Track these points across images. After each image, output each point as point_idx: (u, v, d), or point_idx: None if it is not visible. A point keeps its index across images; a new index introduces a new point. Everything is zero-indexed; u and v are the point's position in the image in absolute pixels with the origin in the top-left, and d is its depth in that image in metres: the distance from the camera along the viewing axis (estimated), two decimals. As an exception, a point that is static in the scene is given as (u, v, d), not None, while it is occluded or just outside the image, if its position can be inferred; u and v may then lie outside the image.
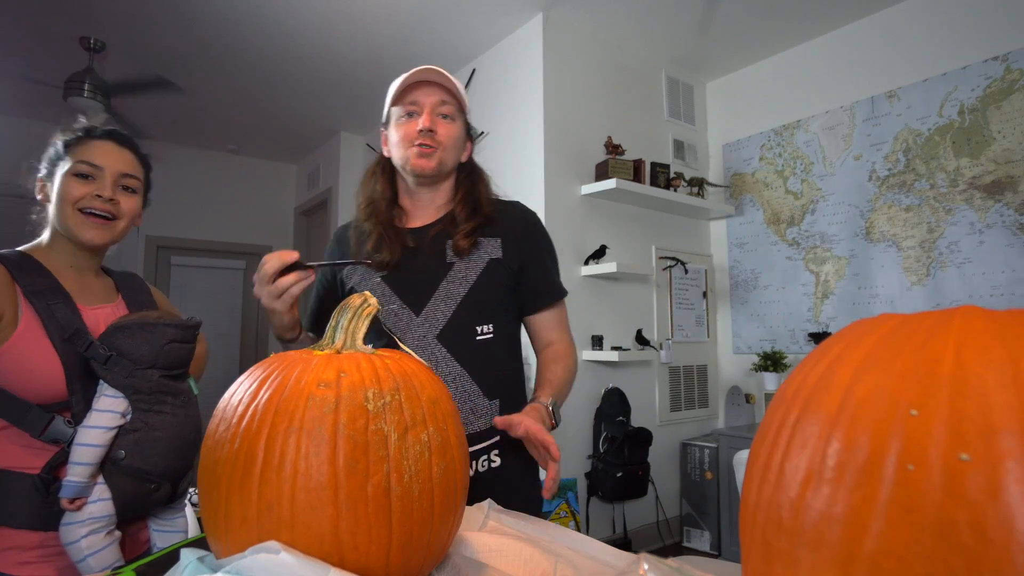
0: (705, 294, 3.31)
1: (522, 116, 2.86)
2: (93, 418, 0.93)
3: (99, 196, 0.98)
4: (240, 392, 0.54)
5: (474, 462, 1.00)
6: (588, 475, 2.72)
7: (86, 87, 2.99)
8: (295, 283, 0.90)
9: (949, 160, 2.52)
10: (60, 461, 0.92)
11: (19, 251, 1.00)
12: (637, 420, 2.86)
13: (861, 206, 2.79)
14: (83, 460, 0.90)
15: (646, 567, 0.42)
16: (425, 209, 1.10)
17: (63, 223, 0.99)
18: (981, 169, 2.44)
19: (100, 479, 0.93)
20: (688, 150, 3.34)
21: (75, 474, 0.90)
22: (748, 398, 3.07)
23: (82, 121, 1.06)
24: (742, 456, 2.33)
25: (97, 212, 0.99)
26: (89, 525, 0.90)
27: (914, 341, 0.34)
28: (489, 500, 0.81)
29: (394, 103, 1.05)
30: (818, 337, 2.84)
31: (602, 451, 2.68)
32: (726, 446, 2.82)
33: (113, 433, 0.93)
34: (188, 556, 0.54)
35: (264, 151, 4.82)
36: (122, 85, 3.25)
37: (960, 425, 0.29)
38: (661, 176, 2.97)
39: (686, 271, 3.22)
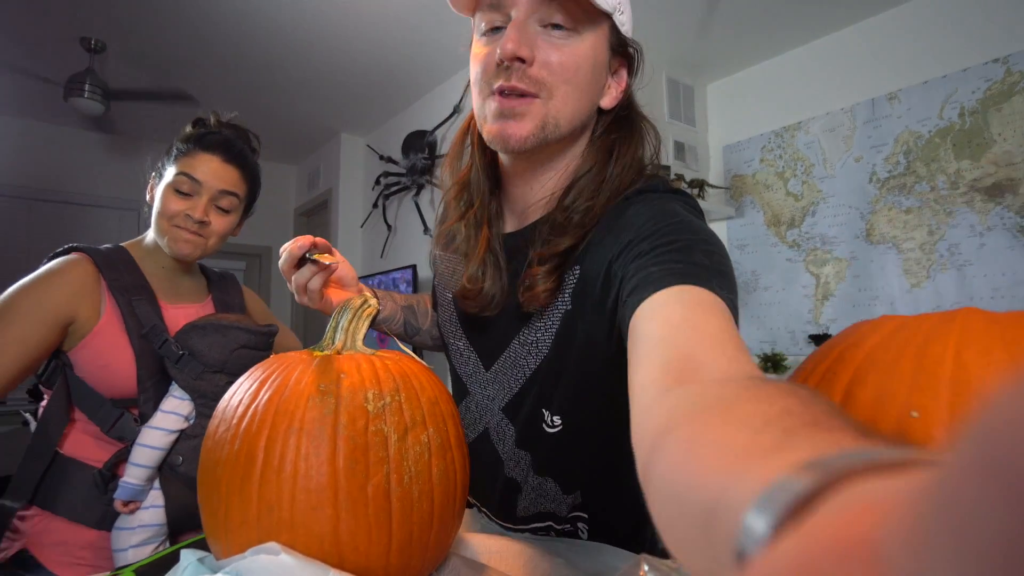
0: (705, 296, 3.32)
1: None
2: (157, 418, 0.92)
3: (190, 216, 0.99)
4: (240, 393, 0.54)
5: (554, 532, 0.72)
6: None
7: (86, 88, 2.99)
8: (310, 278, 0.71)
9: (950, 162, 2.52)
10: (123, 458, 0.93)
11: (119, 246, 1.03)
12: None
13: (861, 208, 2.80)
14: (141, 461, 0.90)
15: (646, 568, 0.42)
16: (525, 197, 0.69)
17: (156, 232, 1.02)
18: (982, 172, 2.44)
19: (156, 484, 0.92)
20: (689, 152, 3.34)
21: (132, 475, 0.90)
22: (748, 400, 3.07)
23: (205, 123, 1.06)
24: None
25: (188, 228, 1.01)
26: (140, 534, 0.89)
27: (915, 343, 0.34)
28: None
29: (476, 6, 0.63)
30: (818, 339, 2.84)
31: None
32: (726, 448, 2.82)
33: (175, 436, 0.93)
34: (188, 557, 0.54)
35: (264, 152, 4.80)
36: (139, 92, 3.25)
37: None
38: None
39: (686, 272, 3.22)
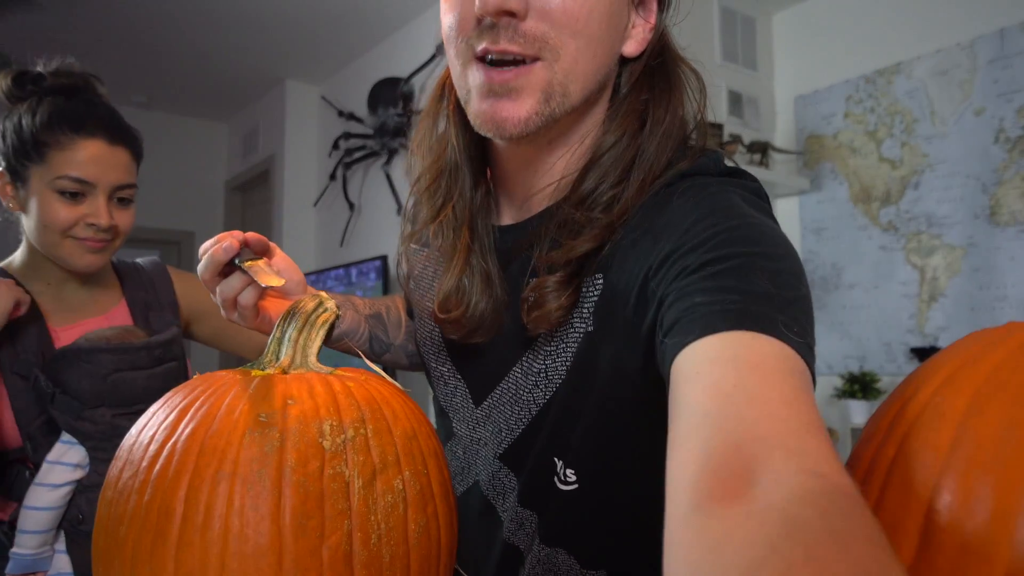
0: (771, 296, 3.32)
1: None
2: (42, 472, 0.95)
3: (93, 224, 1.01)
4: (152, 426, 0.54)
5: None
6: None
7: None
8: (240, 290, 0.68)
9: (1098, 117, 2.51)
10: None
11: None
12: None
13: (984, 178, 2.78)
14: (31, 527, 0.93)
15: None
16: (526, 184, 0.69)
17: (48, 250, 1.03)
18: None
19: (61, 545, 0.95)
20: (748, 105, 3.33)
21: (22, 545, 0.92)
22: (830, 435, 3.07)
23: (39, 68, 1.02)
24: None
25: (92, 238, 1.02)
26: None
27: (1052, 357, 0.34)
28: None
29: None
30: (923, 353, 2.83)
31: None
32: (799, 498, 2.82)
33: (67, 490, 0.95)
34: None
35: (184, 105, 4.83)
36: None
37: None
38: (712, 140, 2.95)
39: (746, 265, 3.22)
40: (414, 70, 3.43)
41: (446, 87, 0.72)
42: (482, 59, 0.58)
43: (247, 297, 0.68)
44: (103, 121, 1.04)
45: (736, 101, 3.30)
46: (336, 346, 0.83)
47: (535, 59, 0.57)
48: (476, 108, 0.60)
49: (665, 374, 0.49)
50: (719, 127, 3.00)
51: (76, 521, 0.96)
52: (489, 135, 0.62)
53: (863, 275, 3.11)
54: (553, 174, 0.66)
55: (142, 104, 4.76)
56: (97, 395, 0.99)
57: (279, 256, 0.73)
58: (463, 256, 0.68)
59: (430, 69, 3.39)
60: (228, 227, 5.16)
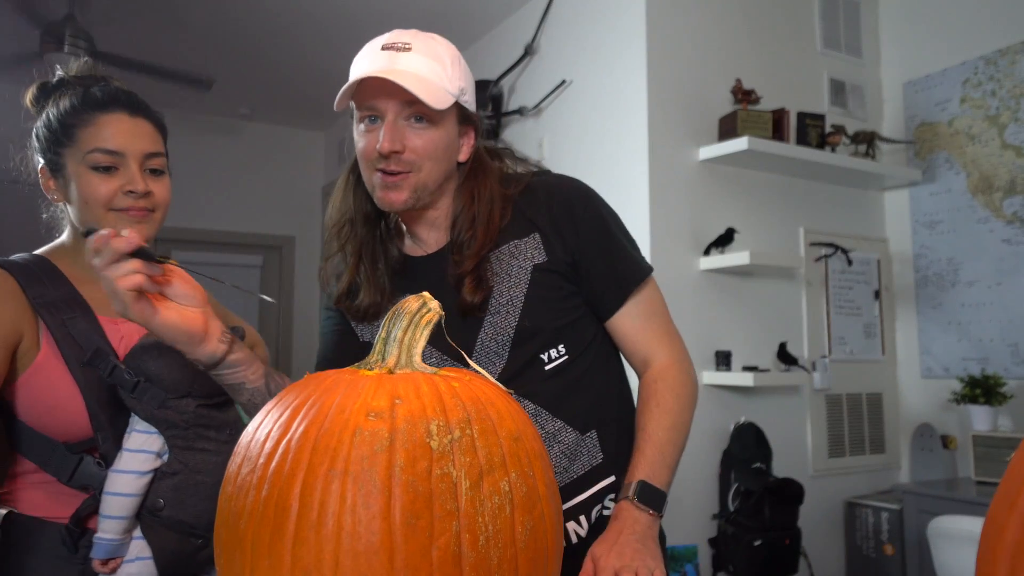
0: (878, 294, 3.20)
1: (617, 55, 2.83)
2: (123, 460, 0.99)
3: (132, 192, 1.05)
4: (268, 423, 0.56)
5: (577, 520, 1.03)
6: (713, 542, 2.65)
7: (67, 38, 3.21)
8: (128, 273, 0.80)
9: None
10: (91, 510, 1.00)
11: (36, 254, 1.09)
12: (781, 468, 2.78)
13: (1118, 164, 2.57)
14: (114, 513, 0.97)
15: None
16: (429, 226, 1.10)
17: (95, 225, 1.06)
18: None
19: (138, 533, 1.00)
20: (852, 93, 3.20)
21: (106, 530, 0.97)
22: (947, 442, 2.91)
23: (59, 73, 1.12)
24: (942, 525, 2.20)
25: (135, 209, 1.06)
26: None
27: None
28: None
29: (351, 96, 1.01)
30: (1052, 355, 2.63)
31: (732, 510, 2.61)
32: (914, 509, 2.69)
33: (148, 478, 1.00)
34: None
35: (283, 116, 5.04)
36: (131, 62, 3.46)
37: None
38: (813, 131, 2.88)
39: (849, 262, 3.10)
40: (503, 72, 3.45)
41: (352, 172, 1.11)
42: (381, 170, 1.00)
43: (132, 280, 0.81)
44: (121, 98, 1.09)
45: (839, 90, 3.18)
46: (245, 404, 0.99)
47: (408, 172, 1.00)
48: (378, 195, 1.02)
49: (601, 313, 1.09)
50: (820, 118, 2.90)
51: (156, 508, 0.99)
52: (386, 209, 1.05)
53: (984, 271, 2.94)
54: (436, 225, 1.10)
55: (245, 116, 5.00)
56: (187, 385, 1.02)
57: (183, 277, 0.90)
58: (352, 269, 1.10)
59: (519, 71, 3.41)
60: (325, 231, 5.33)
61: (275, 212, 5.12)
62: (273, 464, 0.53)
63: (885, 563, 2.80)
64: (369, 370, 0.60)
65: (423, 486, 0.50)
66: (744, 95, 2.77)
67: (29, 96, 1.11)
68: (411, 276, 1.10)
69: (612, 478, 1.06)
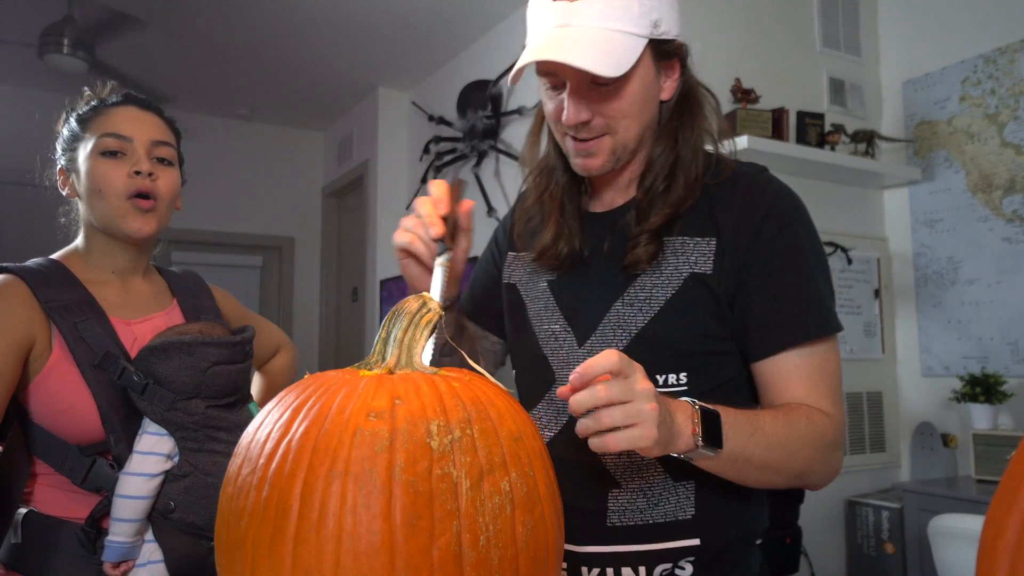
0: (878, 293, 3.20)
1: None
2: (134, 463, 1.00)
3: (137, 172, 1.07)
4: (268, 424, 0.56)
5: (636, 570, 0.90)
6: (714, 543, 2.66)
7: (65, 41, 3.21)
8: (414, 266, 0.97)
9: None
10: (105, 512, 1.01)
11: (51, 259, 1.11)
12: (783, 469, 2.78)
13: (1118, 162, 2.57)
14: (125, 515, 0.97)
15: None
16: (610, 185, 1.01)
17: (104, 215, 1.08)
18: None
19: (150, 536, 1.00)
20: (851, 92, 3.21)
21: (117, 532, 0.97)
22: (947, 440, 2.92)
23: (87, 90, 1.17)
24: (943, 523, 2.20)
25: (141, 193, 1.07)
26: None
27: None
28: None
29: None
30: (1052, 353, 2.64)
31: (734, 510, 2.62)
32: (915, 507, 2.69)
33: (159, 480, 1.00)
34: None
35: (282, 116, 5.03)
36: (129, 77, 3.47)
37: None
38: (812, 130, 2.88)
39: (849, 261, 3.10)
40: (502, 72, 3.44)
41: (542, 118, 1.02)
42: (571, 138, 0.93)
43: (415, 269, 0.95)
44: (133, 97, 1.15)
45: (838, 89, 3.19)
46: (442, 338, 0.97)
47: (603, 137, 0.91)
48: (572, 161, 0.96)
49: (753, 350, 0.92)
50: (820, 117, 2.90)
51: (167, 510, 1.00)
52: (583, 175, 0.99)
53: (984, 269, 2.94)
54: (623, 178, 1.01)
55: (244, 116, 4.99)
56: (195, 387, 1.02)
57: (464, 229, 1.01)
58: (556, 219, 1.02)
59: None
60: (326, 232, 5.37)
61: (275, 213, 5.12)
62: (273, 465, 0.53)
63: (886, 562, 2.80)
64: (369, 370, 0.60)
65: (424, 486, 0.50)
66: (743, 94, 2.77)
67: (61, 122, 1.16)
68: (596, 230, 1.00)
69: (696, 541, 0.90)
